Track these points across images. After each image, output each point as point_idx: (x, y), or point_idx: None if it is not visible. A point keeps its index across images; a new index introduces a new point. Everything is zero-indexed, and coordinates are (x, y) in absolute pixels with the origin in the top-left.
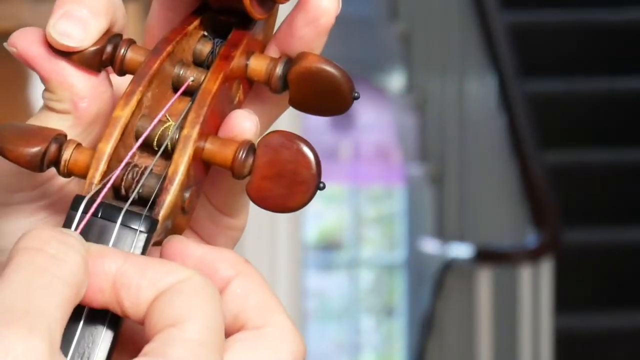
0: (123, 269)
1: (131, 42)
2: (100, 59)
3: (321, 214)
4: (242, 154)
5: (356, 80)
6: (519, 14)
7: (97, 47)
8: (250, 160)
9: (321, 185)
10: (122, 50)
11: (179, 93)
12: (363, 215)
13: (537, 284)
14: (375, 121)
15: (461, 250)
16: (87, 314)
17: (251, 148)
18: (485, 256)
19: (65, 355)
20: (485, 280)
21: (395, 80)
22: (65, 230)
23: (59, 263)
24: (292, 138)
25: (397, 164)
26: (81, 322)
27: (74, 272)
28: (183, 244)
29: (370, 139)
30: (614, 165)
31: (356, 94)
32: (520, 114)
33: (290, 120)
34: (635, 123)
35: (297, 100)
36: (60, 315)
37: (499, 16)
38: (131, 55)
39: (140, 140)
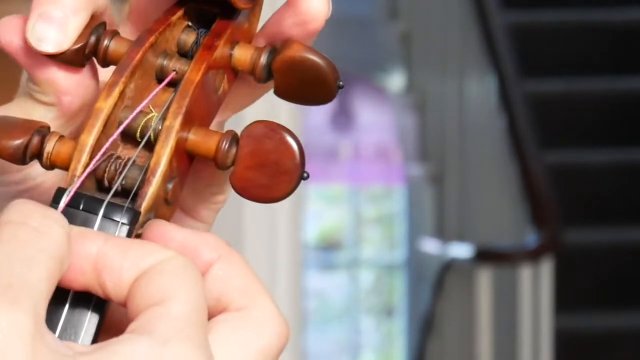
0: (104, 249)
1: (115, 34)
2: (83, 55)
3: (321, 214)
4: (225, 145)
5: (356, 80)
6: (519, 14)
7: (79, 45)
8: (234, 150)
9: (305, 175)
10: (106, 42)
11: (162, 85)
12: (363, 215)
13: (537, 284)
14: (375, 121)
15: (461, 250)
16: (72, 296)
17: (234, 138)
18: (485, 256)
19: None
20: (485, 280)
21: (395, 80)
22: (47, 207)
23: (42, 236)
24: (275, 128)
25: (397, 164)
26: (67, 305)
27: (58, 245)
28: (164, 228)
29: (370, 139)
30: (614, 165)
31: (341, 83)
32: (520, 114)
33: (290, 120)
34: (636, 123)
35: (282, 90)
36: (45, 288)
37: (499, 16)
38: (115, 47)
39: (120, 129)
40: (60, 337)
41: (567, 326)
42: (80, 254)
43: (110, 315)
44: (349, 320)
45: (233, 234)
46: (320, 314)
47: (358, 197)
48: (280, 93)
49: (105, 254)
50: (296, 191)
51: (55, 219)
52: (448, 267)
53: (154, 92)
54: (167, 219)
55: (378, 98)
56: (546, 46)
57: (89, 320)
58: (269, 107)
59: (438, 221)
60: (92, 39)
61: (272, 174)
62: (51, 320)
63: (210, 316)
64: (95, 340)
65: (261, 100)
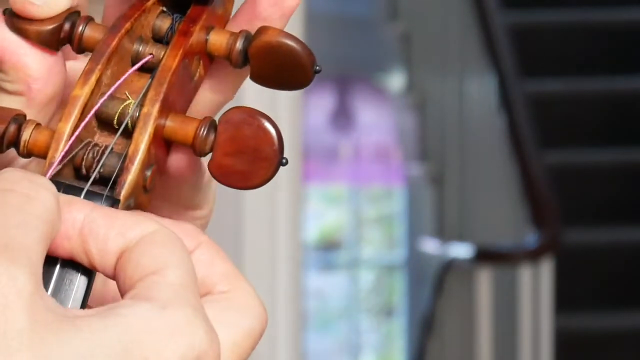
0: (91, 217)
1: (89, 20)
2: (58, 37)
3: (321, 214)
4: (203, 131)
5: (356, 80)
6: (519, 14)
7: (55, 24)
8: (212, 137)
9: (283, 161)
10: (81, 28)
11: (134, 68)
12: (363, 215)
13: (537, 284)
14: (375, 121)
15: (461, 250)
16: (60, 264)
17: (212, 125)
18: (485, 256)
19: None
20: (485, 280)
21: (395, 80)
22: (35, 174)
23: (32, 201)
24: (253, 114)
25: (397, 164)
26: (55, 273)
27: (48, 208)
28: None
29: (370, 139)
30: (614, 165)
31: (317, 68)
32: (520, 114)
33: (290, 120)
34: (636, 123)
35: (258, 75)
36: (40, 250)
37: (499, 16)
38: (89, 33)
39: (92, 112)
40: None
41: (567, 326)
42: (66, 220)
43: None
44: (349, 320)
45: (233, 234)
46: (320, 314)
47: (358, 197)
48: (257, 78)
49: (92, 221)
50: (296, 191)
51: (43, 184)
52: (448, 267)
53: (125, 75)
54: (146, 206)
55: (378, 98)
56: (546, 46)
57: (77, 289)
58: (269, 107)
59: (438, 221)
60: (67, 25)
61: (250, 160)
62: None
63: None
64: (84, 301)
65: (261, 100)
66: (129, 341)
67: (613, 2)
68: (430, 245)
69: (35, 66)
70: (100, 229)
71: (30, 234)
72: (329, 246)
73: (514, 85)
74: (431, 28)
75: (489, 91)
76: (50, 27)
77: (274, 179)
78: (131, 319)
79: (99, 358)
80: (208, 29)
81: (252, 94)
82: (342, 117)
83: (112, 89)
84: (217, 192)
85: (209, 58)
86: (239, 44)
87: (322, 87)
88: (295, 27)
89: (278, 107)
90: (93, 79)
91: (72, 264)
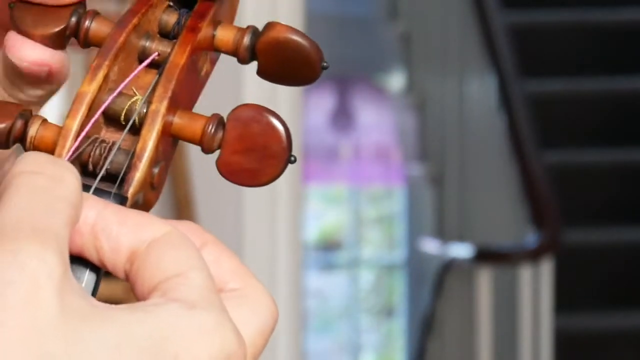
0: (103, 214)
1: (95, 14)
2: (64, 36)
3: (321, 214)
4: (211, 128)
5: (356, 80)
6: (519, 14)
7: (60, 27)
8: (220, 134)
9: (292, 159)
10: (87, 23)
11: (142, 66)
12: (363, 216)
13: (537, 284)
14: (375, 121)
15: (461, 250)
16: (70, 258)
17: (220, 122)
18: (485, 256)
19: None
20: (485, 280)
21: (395, 80)
22: (57, 158)
23: (58, 184)
24: (261, 111)
25: (397, 164)
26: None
27: (73, 191)
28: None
29: (370, 139)
30: (614, 165)
31: (325, 64)
32: (520, 114)
33: (290, 120)
34: (635, 123)
35: (265, 71)
36: (66, 234)
37: (499, 16)
38: (96, 28)
39: (102, 109)
40: None
41: (567, 326)
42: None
43: None
44: (349, 320)
45: (233, 234)
46: (320, 314)
47: (358, 197)
48: (264, 74)
49: (105, 218)
50: (296, 191)
51: (68, 167)
52: (448, 267)
53: (134, 73)
54: (153, 203)
55: (378, 98)
56: (546, 46)
57: (85, 287)
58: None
59: (438, 221)
60: (73, 20)
61: (259, 158)
62: None
63: None
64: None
65: (260, 99)
66: (160, 337)
67: (613, 2)
68: (430, 245)
69: (53, 58)
70: (113, 226)
71: (58, 217)
72: (329, 246)
73: (514, 85)
74: (431, 28)
75: (489, 91)
76: (55, 30)
77: None
78: (162, 315)
79: (129, 351)
80: (215, 24)
81: (252, 93)
82: (342, 117)
83: (121, 87)
84: (217, 191)
85: (216, 54)
86: (246, 40)
87: (322, 87)
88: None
89: (278, 107)
90: (101, 75)
91: (80, 261)
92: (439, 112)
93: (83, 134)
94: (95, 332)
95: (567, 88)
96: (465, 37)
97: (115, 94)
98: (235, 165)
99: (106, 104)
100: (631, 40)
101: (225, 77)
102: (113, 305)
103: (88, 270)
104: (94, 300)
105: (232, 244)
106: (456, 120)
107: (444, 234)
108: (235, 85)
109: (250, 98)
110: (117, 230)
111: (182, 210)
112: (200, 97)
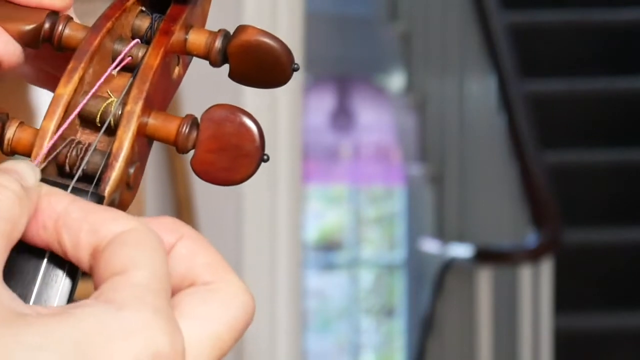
0: (68, 209)
1: (69, 19)
2: (39, 36)
3: (321, 214)
4: (185, 129)
5: (356, 80)
6: (519, 14)
7: (35, 24)
8: (194, 134)
9: (265, 157)
10: (61, 27)
11: (113, 65)
12: (363, 216)
13: (537, 284)
14: (375, 121)
15: (461, 250)
16: (47, 260)
17: (194, 122)
18: (485, 256)
19: (26, 299)
20: (485, 280)
21: (395, 80)
22: (12, 163)
23: None
24: (235, 111)
25: (397, 164)
26: (42, 269)
27: (7, 207)
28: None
29: (370, 139)
30: (614, 165)
31: (295, 66)
32: (520, 114)
33: (290, 120)
34: (635, 123)
35: (237, 73)
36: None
37: (499, 16)
38: (70, 32)
39: (77, 110)
40: (36, 300)
41: (567, 326)
42: (44, 209)
43: None
44: (349, 320)
45: (233, 234)
46: (320, 314)
47: (358, 198)
48: (236, 76)
49: (68, 213)
50: (296, 191)
51: (4, 184)
52: (448, 267)
53: (106, 74)
54: (128, 203)
55: (378, 98)
56: (546, 46)
57: (63, 285)
58: (269, 108)
59: (438, 221)
60: (47, 24)
61: (232, 157)
62: (28, 284)
63: (176, 292)
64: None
65: (261, 101)
66: (80, 339)
67: (613, 2)
68: (430, 245)
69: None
70: (74, 222)
71: None
72: (329, 246)
73: (514, 85)
74: (431, 28)
75: (489, 91)
76: (31, 26)
77: (274, 179)
78: (85, 318)
79: (49, 353)
80: (187, 28)
81: (252, 94)
82: (342, 117)
83: (94, 88)
84: (217, 191)
85: (188, 57)
86: (218, 43)
87: (322, 87)
88: (295, 27)
89: (278, 107)
90: (76, 78)
91: (58, 260)
92: (439, 112)
93: (57, 135)
94: (17, 335)
95: (567, 88)
96: (465, 37)
97: (89, 95)
98: (209, 164)
99: (81, 105)
100: (631, 40)
101: (225, 76)
102: (47, 309)
103: (65, 269)
104: (25, 307)
105: (232, 244)
106: (456, 121)
107: (444, 234)
108: (235, 85)
109: (250, 98)
110: (77, 225)
111: (182, 210)
112: (201, 98)
